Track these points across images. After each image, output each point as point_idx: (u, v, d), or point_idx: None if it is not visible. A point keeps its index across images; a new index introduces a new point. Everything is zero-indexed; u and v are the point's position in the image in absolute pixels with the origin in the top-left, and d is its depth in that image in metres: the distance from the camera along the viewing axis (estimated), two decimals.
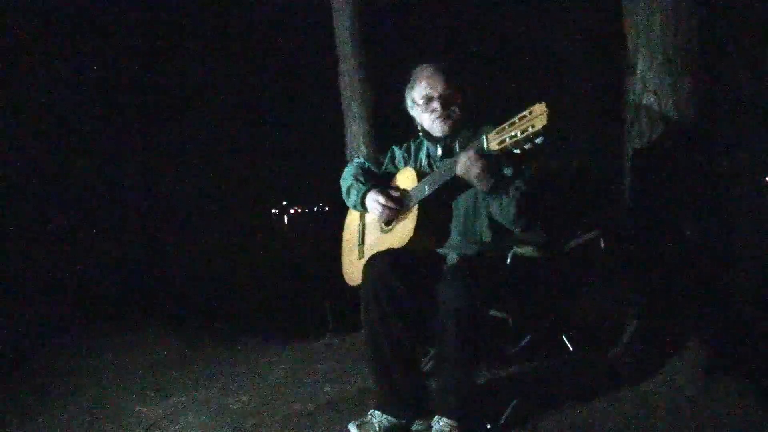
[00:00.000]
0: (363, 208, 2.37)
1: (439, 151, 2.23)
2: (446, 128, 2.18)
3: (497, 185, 1.92)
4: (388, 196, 2.25)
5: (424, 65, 2.24)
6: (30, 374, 3.17)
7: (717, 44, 2.31)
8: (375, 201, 2.27)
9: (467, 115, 2.18)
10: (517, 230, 2.03)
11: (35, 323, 4.49)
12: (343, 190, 2.43)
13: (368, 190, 2.31)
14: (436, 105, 2.16)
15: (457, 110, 2.17)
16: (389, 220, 2.30)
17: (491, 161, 1.92)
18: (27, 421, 2.48)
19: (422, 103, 2.20)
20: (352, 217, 2.53)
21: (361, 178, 2.36)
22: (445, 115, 2.16)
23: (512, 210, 1.94)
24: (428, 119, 2.20)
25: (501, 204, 1.94)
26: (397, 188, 2.32)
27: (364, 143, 3.38)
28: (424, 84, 2.19)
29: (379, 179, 2.40)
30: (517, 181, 1.95)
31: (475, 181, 1.94)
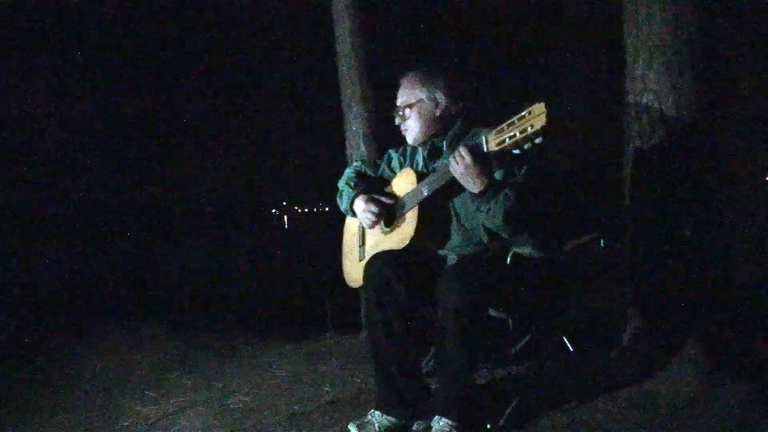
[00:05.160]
0: (353, 214, 2.38)
1: (426, 153, 2.25)
2: (410, 139, 2.23)
3: (488, 189, 1.91)
4: (375, 203, 2.27)
5: (401, 73, 2.25)
6: (30, 374, 3.17)
7: (717, 44, 2.31)
8: (361, 208, 2.30)
9: (435, 122, 2.17)
10: (504, 236, 2.03)
11: (35, 323, 4.49)
12: (337, 194, 2.45)
13: (356, 196, 2.33)
14: (397, 119, 2.23)
15: (412, 123, 2.19)
16: (375, 226, 2.31)
17: (487, 162, 1.91)
18: (27, 422, 2.48)
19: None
20: (353, 219, 2.54)
21: (352, 183, 2.38)
22: (404, 128, 2.23)
23: (500, 217, 1.92)
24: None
25: (489, 209, 1.93)
26: (389, 194, 2.33)
27: (364, 143, 3.38)
28: (397, 93, 2.25)
29: (375, 184, 2.40)
30: (506, 190, 1.92)
31: (468, 182, 1.91)
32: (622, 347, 2.48)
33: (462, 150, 1.89)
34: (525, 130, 1.72)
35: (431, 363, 2.45)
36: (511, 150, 1.80)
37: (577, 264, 2.33)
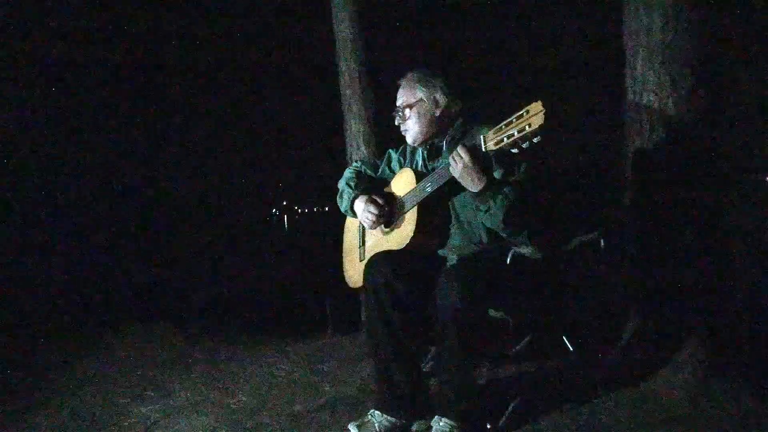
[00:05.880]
0: (353, 214, 2.39)
1: (425, 153, 2.26)
2: (410, 139, 2.24)
3: (488, 188, 1.91)
4: (375, 203, 2.27)
5: (401, 74, 2.27)
6: (30, 374, 3.17)
7: (717, 44, 2.30)
8: (361, 208, 2.31)
9: (435, 122, 2.18)
10: (504, 235, 2.03)
11: (35, 323, 4.49)
12: (338, 194, 2.46)
13: (356, 197, 2.34)
14: (397, 119, 2.24)
15: (411, 123, 2.20)
16: (375, 227, 2.31)
17: (485, 161, 1.91)
18: (27, 421, 2.48)
19: None
20: (353, 219, 2.54)
21: (352, 184, 2.39)
22: (403, 129, 2.24)
23: (500, 216, 1.93)
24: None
25: (489, 209, 1.94)
26: (388, 195, 2.33)
27: (364, 143, 3.38)
28: (397, 94, 2.26)
29: (375, 184, 2.41)
30: (506, 188, 1.93)
31: (467, 181, 1.92)
32: (622, 347, 2.48)
33: (460, 150, 1.89)
34: (523, 129, 1.71)
35: (431, 363, 2.45)
36: (509, 149, 1.80)
37: (577, 264, 2.33)
